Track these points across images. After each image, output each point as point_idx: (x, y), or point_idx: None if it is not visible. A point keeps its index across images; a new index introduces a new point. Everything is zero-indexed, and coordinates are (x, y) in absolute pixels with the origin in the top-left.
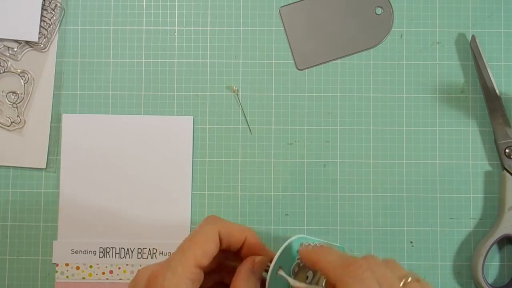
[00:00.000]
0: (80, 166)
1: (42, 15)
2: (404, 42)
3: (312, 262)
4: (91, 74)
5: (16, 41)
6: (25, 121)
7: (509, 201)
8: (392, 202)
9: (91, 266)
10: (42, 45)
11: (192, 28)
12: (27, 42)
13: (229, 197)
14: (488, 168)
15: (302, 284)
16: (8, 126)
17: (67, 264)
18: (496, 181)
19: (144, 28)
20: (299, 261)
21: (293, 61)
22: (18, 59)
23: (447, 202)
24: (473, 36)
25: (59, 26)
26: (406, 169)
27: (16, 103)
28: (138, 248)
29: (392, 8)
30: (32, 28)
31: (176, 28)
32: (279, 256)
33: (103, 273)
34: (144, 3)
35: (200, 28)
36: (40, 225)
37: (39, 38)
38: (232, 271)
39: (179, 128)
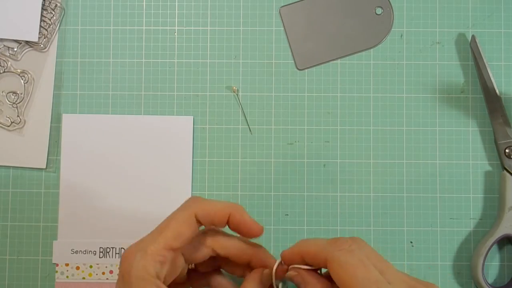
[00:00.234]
0: (80, 166)
1: (42, 15)
2: (404, 42)
3: (298, 255)
4: (91, 74)
5: (16, 41)
6: (25, 121)
7: (509, 201)
8: (392, 202)
9: (91, 266)
10: (42, 45)
11: (192, 28)
12: (27, 42)
13: (229, 197)
14: (488, 168)
15: None
16: (8, 126)
17: (67, 264)
18: (496, 181)
19: (144, 28)
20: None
21: (293, 61)
22: (18, 59)
23: (447, 202)
24: (473, 36)
25: (59, 26)
26: (406, 169)
27: (16, 103)
28: None
29: (392, 8)
30: (32, 28)
31: (176, 28)
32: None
33: (103, 273)
34: (144, 3)
35: (200, 28)
36: (40, 225)
37: (39, 38)
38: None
39: (179, 128)
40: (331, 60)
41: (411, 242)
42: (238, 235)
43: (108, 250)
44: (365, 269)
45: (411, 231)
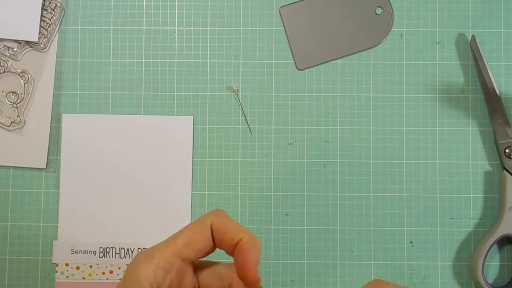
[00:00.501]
0: (80, 166)
1: (42, 15)
2: (404, 42)
3: None
4: (91, 74)
5: (16, 41)
6: (25, 121)
7: (509, 201)
8: (392, 202)
9: (91, 266)
10: (42, 45)
11: (192, 28)
12: (27, 42)
13: (229, 197)
14: (488, 168)
15: None
16: (8, 126)
17: (67, 264)
18: (496, 181)
19: (144, 28)
20: None
21: (293, 61)
22: (18, 59)
23: (447, 202)
24: (473, 36)
25: (59, 26)
26: (406, 169)
27: (16, 103)
28: (138, 248)
29: (392, 8)
30: (32, 28)
31: (176, 28)
32: None
33: (103, 273)
34: (144, 3)
35: (200, 28)
36: (40, 225)
37: (39, 38)
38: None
39: (179, 128)
40: (331, 60)
41: (411, 242)
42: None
43: (108, 250)
44: None
45: (411, 231)
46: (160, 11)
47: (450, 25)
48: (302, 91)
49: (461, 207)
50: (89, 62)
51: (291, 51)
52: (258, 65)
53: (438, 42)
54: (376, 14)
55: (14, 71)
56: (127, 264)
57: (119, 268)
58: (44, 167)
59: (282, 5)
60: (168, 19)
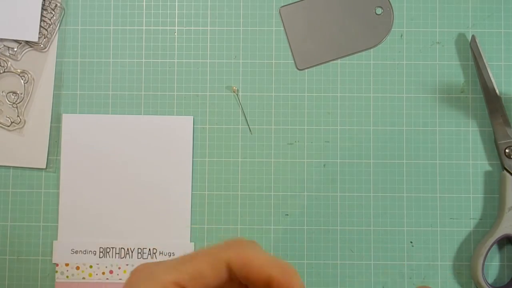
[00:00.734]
0: (80, 166)
1: (42, 15)
2: (404, 42)
3: None
4: (91, 74)
5: (16, 41)
6: (25, 121)
7: (509, 201)
8: (392, 202)
9: (91, 266)
10: (42, 45)
11: (192, 28)
12: (27, 42)
13: (229, 197)
14: (488, 168)
15: None
16: (8, 126)
17: (67, 264)
18: (496, 181)
19: (144, 28)
20: None
21: (293, 61)
22: (18, 59)
23: (447, 202)
24: (473, 36)
25: (59, 26)
26: (406, 169)
27: (16, 103)
28: (138, 248)
29: (392, 8)
30: (32, 28)
31: (176, 28)
32: None
33: (103, 273)
34: (144, 3)
35: (200, 28)
36: (40, 225)
37: (39, 38)
38: None
39: (179, 128)
40: (331, 60)
41: (411, 242)
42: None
43: (108, 250)
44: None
45: (411, 231)
46: (160, 11)
47: (450, 25)
48: (302, 91)
49: (461, 207)
50: (89, 62)
51: (291, 51)
52: (258, 65)
53: (438, 42)
54: (376, 14)
55: (14, 71)
56: (127, 264)
57: (119, 268)
58: (44, 167)
59: (282, 5)
60: (168, 19)
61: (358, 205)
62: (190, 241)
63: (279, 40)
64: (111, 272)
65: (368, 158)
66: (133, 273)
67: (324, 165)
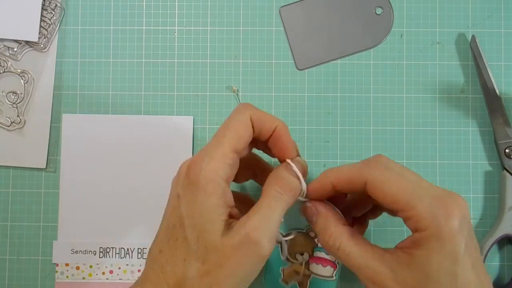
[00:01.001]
0: (80, 166)
1: (42, 15)
2: (404, 42)
3: (328, 184)
4: (91, 74)
5: (16, 41)
6: (25, 121)
7: (509, 201)
8: None
9: (91, 266)
10: (42, 45)
11: (192, 28)
12: (27, 42)
13: None
14: (488, 168)
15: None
16: (8, 126)
17: (67, 264)
18: (496, 181)
19: (144, 28)
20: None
21: (293, 61)
22: (18, 59)
23: None
24: (473, 36)
25: (59, 26)
26: None
27: (16, 103)
28: (138, 248)
29: (392, 8)
30: (32, 28)
31: (176, 28)
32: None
33: (103, 273)
34: (144, 3)
35: (200, 28)
36: (40, 225)
37: (39, 38)
38: (264, 170)
39: (179, 128)
40: (331, 60)
41: None
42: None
43: (108, 250)
44: (406, 180)
45: None
46: (160, 11)
47: (450, 25)
48: (302, 91)
49: None
50: (89, 62)
51: (291, 51)
52: (258, 65)
53: (438, 42)
54: (376, 14)
55: (14, 71)
56: (127, 264)
57: (119, 268)
58: (44, 167)
59: (282, 5)
60: (168, 19)
61: None
62: None
63: (279, 40)
64: (111, 272)
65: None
66: (188, 166)
67: (324, 165)
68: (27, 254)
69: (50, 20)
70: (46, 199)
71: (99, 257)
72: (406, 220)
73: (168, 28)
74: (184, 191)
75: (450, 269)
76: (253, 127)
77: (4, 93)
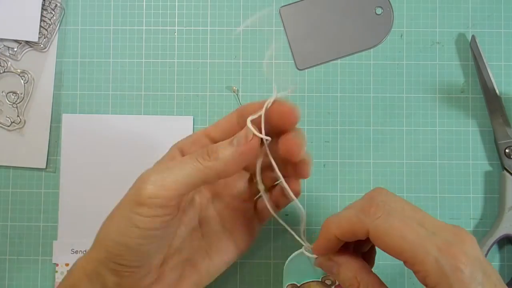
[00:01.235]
0: (80, 166)
1: (42, 15)
2: (404, 42)
3: (333, 240)
4: (91, 74)
5: (16, 41)
6: (25, 121)
7: (509, 201)
8: None
9: None
10: (42, 45)
11: (192, 28)
12: (27, 42)
13: None
14: (488, 168)
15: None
16: (8, 126)
17: (67, 264)
18: (496, 181)
19: (144, 28)
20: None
21: (293, 61)
22: (18, 59)
23: (447, 202)
24: (473, 36)
25: (59, 26)
26: (406, 169)
27: (16, 103)
28: None
29: (392, 8)
30: (32, 28)
31: (176, 28)
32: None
33: None
34: (144, 3)
35: (200, 28)
36: (40, 225)
37: (39, 38)
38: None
39: (179, 128)
40: (331, 60)
41: None
42: None
43: None
44: (410, 228)
45: None
46: (160, 11)
47: (450, 25)
48: (302, 91)
49: (461, 207)
50: (89, 62)
51: (291, 51)
52: (258, 65)
53: (438, 42)
54: (376, 14)
55: (14, 71)
56: None
57: None
58: (44, 167)
59: (282, 5)
60: (168, 19)
61: None
62: None
63: (279, 40)
64: None
65: (368, 158)
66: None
67: (324, 165)
68: (27, 254)
69: (50, 20)
70: (46, 199)
71: None
72: (414, 272)
73: (168, 28)
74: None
75: None
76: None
77: (4, 93)
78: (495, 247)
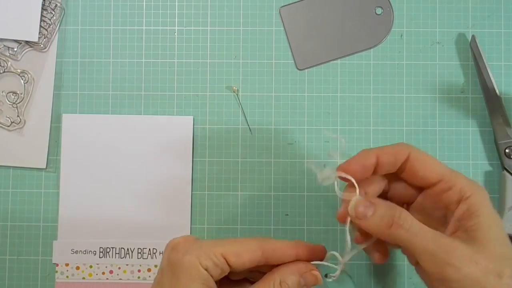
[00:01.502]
0: (80, 166)
1: (42, 15)
2: (404, 42)
3: (370, 163)
4: (91, 74)
5: (16, 41)
6: (25, 121)
7: (509, 201)
8: None
9: (91, 266)
10: (42, 45)
11: (192, 28)
12: (27, 42)
13: (229, 197)
14: (488, 168)
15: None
16: (8, 126)
17: (67, 264)
18: (496, 181)
19: (144, 28)
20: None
21: (293, 61)
22: (18, 59)
23: None
24: (473, 36)
25: (59, 26)
26: None
27: (16, 103)
28: (138, 248)
29: (392, 8)
30: (32, 28)
31: (176, 28)
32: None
33: (103, 273)
34: (144, 3)
35: (200, 28)
36: (40, 225)
37: (39, 38)
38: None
39: (179, 128)
40: (331, 60)
41: None
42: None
43: (108, 250)
44: (440, 162)
45: None
46: (160, 11)
47: (450, 25)
48: (302, 91)
49: None
50: (89, 62)
51: (291, 51)
52: (258, 65)
53: (438, 42)
54: (376, 14)
55: (14, 71)
56: (127, 264)
57: (119, 268)
58: (44, 167)
59: (282, 5)
60: (168, 19)
61: None
62: None
63: (279, 40)
64: (111, 272)
65: None
66: (172, 245)
67: (324, 165)
68: (27, 254)
69: (50, 20)
70: (46, 199)
71: (99, 257)
72: (446, 191)
73: (168, 28)
74: (167, 267)
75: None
76: (265, 255)
77: (4, 93)
78: None
